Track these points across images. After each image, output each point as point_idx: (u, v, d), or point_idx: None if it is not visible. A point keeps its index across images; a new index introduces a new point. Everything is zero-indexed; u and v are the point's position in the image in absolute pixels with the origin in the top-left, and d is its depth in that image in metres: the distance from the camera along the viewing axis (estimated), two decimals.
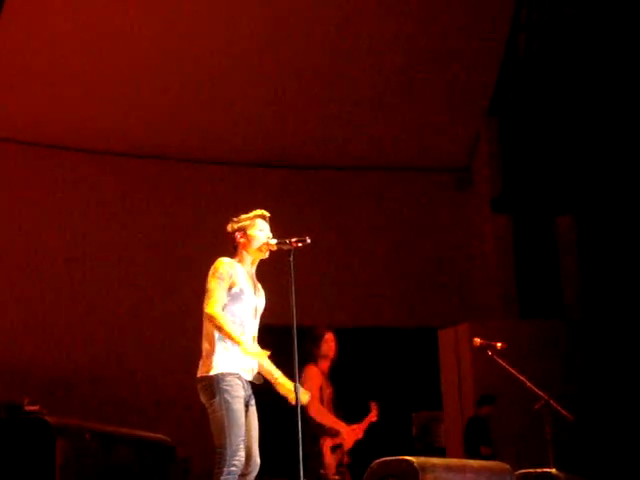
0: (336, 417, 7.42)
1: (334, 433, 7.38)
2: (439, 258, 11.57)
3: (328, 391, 7.55)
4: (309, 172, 11.56)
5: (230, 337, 5.56)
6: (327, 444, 7.32)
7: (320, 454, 7.26)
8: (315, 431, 7.27)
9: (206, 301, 5.62)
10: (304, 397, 5.62)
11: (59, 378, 9.75)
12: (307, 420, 7.08)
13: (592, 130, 10.48)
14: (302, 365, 7.23)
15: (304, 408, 6.84)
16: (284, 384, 5.66)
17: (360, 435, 7.50)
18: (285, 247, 5.80)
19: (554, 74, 10.82)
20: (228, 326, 5.58)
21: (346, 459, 7.37)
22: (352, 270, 11.39)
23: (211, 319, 5.57)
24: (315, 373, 7.43)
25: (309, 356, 7.40)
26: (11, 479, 5.86)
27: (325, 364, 7.50)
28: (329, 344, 7.52)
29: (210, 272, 5.71)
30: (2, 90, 10.10)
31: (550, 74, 10.86)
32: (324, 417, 7.33)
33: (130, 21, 10.28)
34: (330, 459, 7.27)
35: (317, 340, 7.49)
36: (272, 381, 5.72)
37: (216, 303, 5.60)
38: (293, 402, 5.52)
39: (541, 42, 10.98)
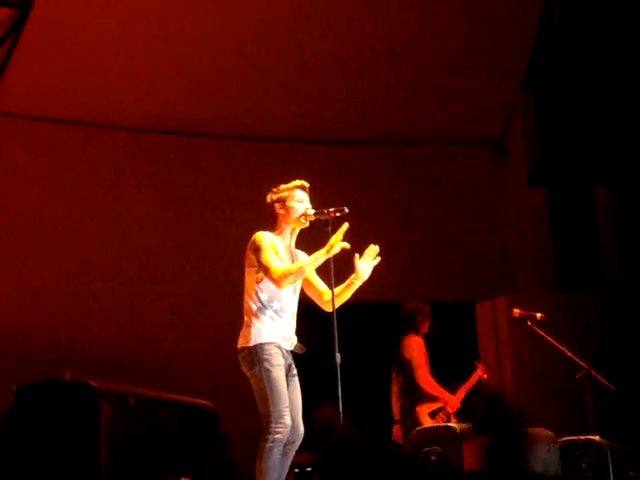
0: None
1: (432, 398, 7.61)
2: (475, 232, 11.51)
3: (428, 360, 8.02)
4: (340, 147, 11.53)
5: (307, 264, 5.68)
6: (424, 410, 7.67)
7: (416, 421, 7.59)
8: (409, 399, 7.41)
9: (267, 273, 5.65)
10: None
11: (97, 354, 9.82)
12: (405, 391, 7.42)
13: (629, 101, 10.36)
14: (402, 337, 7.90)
15: (412, 376, 7.26)
16: (356, 273, 5.81)
17: (462, 396, 7.72)
18: (323, 217, 5.85)
19: (591, 44, 10.70)
20: (296, 266, 5.59)
21: (453, 421, 7.65)
22: (389, 245, 11.27)
23: (285, 278, 5.60)
24: (420, 342, 7.93)
25: (408, 328, 7.98)
26: (57, 443, 5.93)
27: (424, 332, 8.09)
28: (427, 317, 7.87)
29: (252, 247, 5.75)
30: (31, 69, 10.15)
31: (587, 44, 10.74)
32: (431, 386, 7.81)
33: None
34: (429, 423, 7.52)
35: (423, 317, 7.78)
36: (352, 283, 5.86)
37: (277, 267, 5.64)
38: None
39: (577, 11, 10.86)
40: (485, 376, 8.03)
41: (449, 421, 7.64)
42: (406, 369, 7.90)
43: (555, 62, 11.16)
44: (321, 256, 5.71)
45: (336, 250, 5.71)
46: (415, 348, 7.85)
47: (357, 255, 5.89)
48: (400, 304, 8.36)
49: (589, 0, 10.77)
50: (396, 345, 8.16)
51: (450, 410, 7.72)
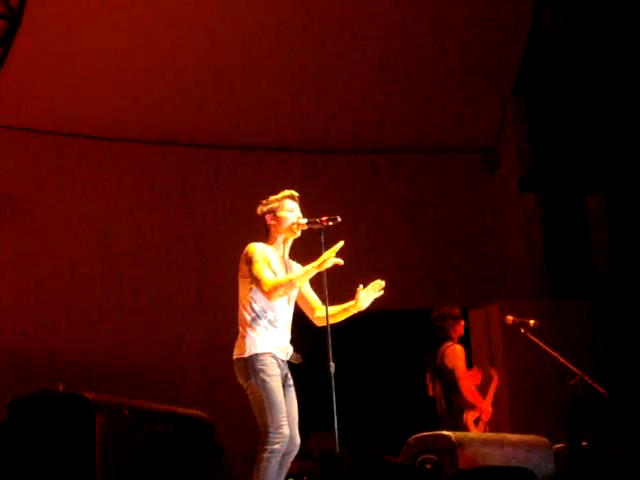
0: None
1: (472, 406, 7.70)
2: (467, 239, 11.53)
3: None
4: (334, 156, 11.54)
5: (298, 279, 5.62)
6: (470, 417, 7.66)
7: (466, 427, 7.56)
8: (461, 404, 7.64)
9: (258, 285, 5.63)
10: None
11: (91, 365, 9.81)
12: (455, 395, 7.52)
13: (620, 107, 10.39)
14: (440, 345, 7.88)
15: (457, 385, 7.51)
16: (356, 302, 5.77)
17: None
18: (316, 226, 5.82)
19: (581, 51, 10.73)
20: (286, 279, 5.61)
21: (487, 429, 7.69)
22: (380, 253, 11.37)
23: (275, 291, 5.58)
24: (460, 351, 7.85)
25: (444, 336, 7.89)
26: (51, 455, 5.91)
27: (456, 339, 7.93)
28: (458, 320, 7.95)
29: (245, 259, 5.73)
30: (23, 80, 10.15)
31: (577, 51, 10.77)
32: (473, 395, 7.71)
33: (149, 9, 10.29)
34: (474, 430, 7.53)
35: (455, 320, 7.76)
36: (349, 309, 5.83)
37: (268, 280, 5.63)
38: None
39: (567, 18, 10.88)
40: (498, 383, 8.00)
41: (485, 430, 7.67)
42: (447, 378, 7.88)
43: (545, 68, 11.18)
44: (312, 270, 5.68)
45: (328, 265, 5.69)
46: (457, 357, 7.83)
47: (361, 286, 5.85)
48: (431, 310, 8.38)
49: (579, 7, 10.79)
50: (432, 353, 8.12)
51: (484, 418, 7.72)
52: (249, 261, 5.70)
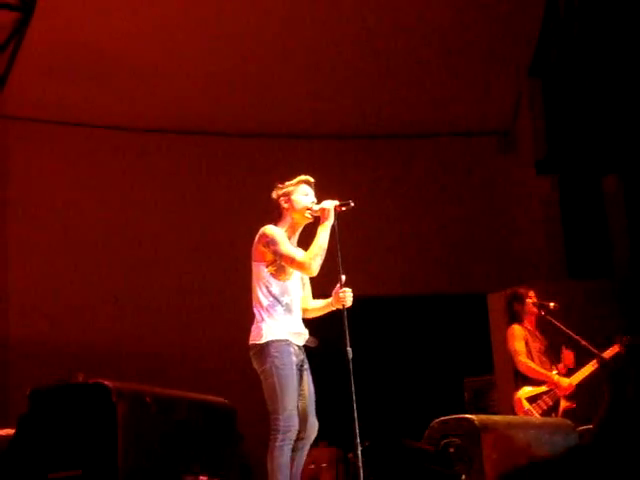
0: (550, 368, 7.90)
1: (539, 381, 7.81)
2: (485, 223, 11.50)
3: (536, 345, 7.99)
4: (350, 141, 11.52)
5: (323, 239, 5.63)
6: (521, 395, 7.81)
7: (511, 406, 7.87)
8: (521, 382, 7.89)
9: (292, 264, 5.62)
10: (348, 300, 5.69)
11: (109, 354, 9.82)
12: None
13: (637, 87, 10.30)
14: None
15: (515, 362, 7.80)
16: (333, 298, 5.74)
17: (579, 380, 7.87)
18: None
19: (596, 32, 10.64)
20: (315, 246, 5.58)
21: (565, 404, 7.77)
22: (398, 238, 11.36)
23: (314, 261, 5.57)
24: (515, 331, 7.99)
25: (515, 316, 8.08)
26: (73, 445, 5.91)
27: (531, 320, 8.04)
28: (532, 300, 8.01)
29: (263, 242, 5.70)
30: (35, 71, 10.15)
31: (592, 32, 10.68)
32: (531, 370, 7.83)
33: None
34: (525, 409, 7.71)
35: (521, 299, 7.99)
36: (328, 306, 5.83)
37: (301, 255, 5.62)
38: (347, 303, 5.65)
39: None
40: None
41: (557, 404, 7.70)
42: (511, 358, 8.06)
43: (561, 50, 11.11)
44: (325, 227, 5.67)
45: (330, 210, 5.66)
46: (510, 338, 7.99)
47: (338, 285, 5.78)
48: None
49: None
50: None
51: (559, 393, 7.75)
52: (272, 242, 5.68)
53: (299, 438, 5.61)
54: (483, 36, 10.94)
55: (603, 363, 7.64)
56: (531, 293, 8.13)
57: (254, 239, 5.81)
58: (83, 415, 5.94)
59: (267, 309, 5.70)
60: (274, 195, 5.93)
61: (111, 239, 10.62)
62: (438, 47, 10.98)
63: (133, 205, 10.83)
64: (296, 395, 5.62)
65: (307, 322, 5.95)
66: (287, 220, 5.89)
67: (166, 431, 6.20)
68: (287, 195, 5.89)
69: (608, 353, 7.82)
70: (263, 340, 5.65)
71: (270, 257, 5.72)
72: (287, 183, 5.97)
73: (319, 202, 5.85)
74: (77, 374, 6.58)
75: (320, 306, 5.92)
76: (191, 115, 11.00)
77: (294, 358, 5.68)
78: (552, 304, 7.96)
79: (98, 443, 5.79)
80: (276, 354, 5.61)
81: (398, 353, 10.98)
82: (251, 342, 5.72)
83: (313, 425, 5.72)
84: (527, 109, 11.50)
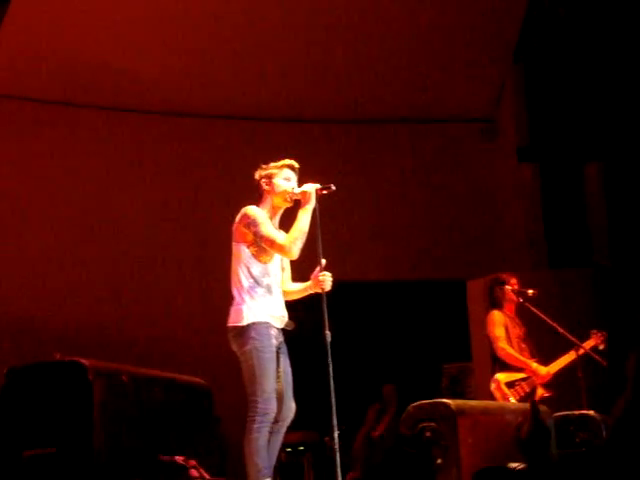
0: (530, 355, 7.88)
1: (517, 368, 7.81)
2: (466, 210, 11.50)
3: (516, 331, 7.98)
4: (333, 126, 11.49)
5: (304, 222, 5.63)
6: (501, 379, 7.78)
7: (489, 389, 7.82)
8: (492, 371, 7.88)
9: (272, 246, 5.61)
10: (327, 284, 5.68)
11: (88, 335, 9.79)
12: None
13: (620, 76, 10.32)
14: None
15: (494, 348, 7.77)
16: (312, 282, 5.74)
17: (556, 369, 7.82)
18: None
19: (580, 20, 10.65)
20: (296, 228, 5.56)
21: (542, 392, 7.74)
22: (378, 224, 11.36)
23: (295, 244, 5.57)
24: (495, 317, 7.96)
25: (495, 302, 8.06)
26: (49, 422, 5.90)
27: (510, 307, 8.01)
28: (511, 287, 7.99)
29: (244, 222, 5.68)
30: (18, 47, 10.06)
31: (576, 20, 10.69)
32: (510, 357, 7.81)
33: None
34: (504, 392, 7.71)
35: (502, 285, 7.94)
36: (307, 289, 5.82)
37: (282, 237, 5.62)
38: (326, 287, 5.64)
39: None
40: (602, 346, 7.98)
41: (534, 392, 7.72)
42: (489, 344, 8.05)
43: (544, 37, 11.11)
44: (306, 210, 5.66)
45: (312, 193, 5.66)
46: (490, 323, 7.97)
47: (318, 269, 5.77)
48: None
49: None
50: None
51: (537, 381, 7.77)
52: (252, 223, 5.66)
53: (276, 421, 5.61)
54: (466, 23, 10.92)
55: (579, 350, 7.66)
56: (513, 280, 8.12)
57: (235, 219, 5.80)
58: (59, 393, 5.93)
59: (248, 290, 5.69)
60: (256, 176, 5.92)
61: (91, 220, 10.55)
62: (421, 34, 10.96)
63: (119, 185, 10.76)
64: (275, 378, 5.62)
65: (285, 305, 5.93)
66: (268, 202, 5.88)
67: (142, 410, 6.20)
68: (269, 177, 5.88)
69: (588, 344, 7.84)
70: (244, 322, 5.64)
71: (251, 238, 5.70)
72: (271, 165, 5.95)
73: (300, 185, 5.85)
74: (54, 354, 6.57)
75: (298, 289, 5.92)
76: (169, 96, 10.94)
77: (274, 341, 5.67)
78: (531, 291, 7.96)
79: (74, 421, 5.79)
80: (256, 336, 5.60)
81: (376, 338, 10.99)
82: (230, 324, 5.70)
83: (290, 408, 5.73)
84: (510, 97, 11.50)
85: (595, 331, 7.92)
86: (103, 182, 10.68)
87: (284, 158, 6.02)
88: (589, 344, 7.83)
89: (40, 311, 9.95)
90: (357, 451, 10.13)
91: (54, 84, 10.39)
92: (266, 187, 5.86)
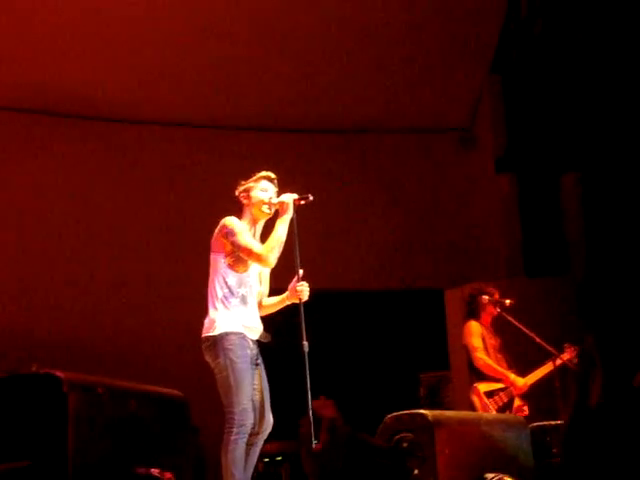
0: (507, 366, 7.93)
1: (495, 379, 7.84)
2: (443, 219, 11.53)
3: (492, 342, 8.02)
4: (310, 135, 11.50)
5: (282, 231, 5.65)
6: (481, 388, 7.80)
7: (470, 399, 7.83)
8: (471, 380, 7.92)
9: (250, 255, 5.62)
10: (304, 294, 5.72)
11: (66, 346, 9.74)
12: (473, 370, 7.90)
13: (597, 87, 10.37)
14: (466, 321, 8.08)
15: (472, 358, 7.78)
16: (289, 292, 5.76)
17: (533, 380, 7.88)
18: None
19: (557, 31, 10.70)
20: (273, 237, 5.57)
21: (518, 403, 7.78)
22: (356, 233, 11.37)
23: (272, 253, 5.58)
24: (472, 327, 8.00)
25: (473, 312, 8.09)
26: (24, 434, 5.86)
27: (487, 317, 8.04)
28: (488, 297, 8.04)
29: (222, 232, 5.71)
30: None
31: (553, 31, 10.74)
32: (488, 367, 7.85)
33: None
34: (484, 402, 7.72)
35: (479, 295, 7.92)
36: (285, 300, 5.86)
37: (259, 246, 5.63)
38: (303, 297, 5.69)
39: None
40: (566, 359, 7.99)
41: (512, 403, 7.73)
42: (467, 354, 8.05)
43: (522, 48, 11.15)
44: (284, 220, 5.69)
45: (289, 204, 5.68)
46: (467, 334, 8.01)
47: (295, 278, 5.79)
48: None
49: None
50: None
51: (514, 392, 7.78)
52: (230, 233, 5.69)
53: (254, 433, 5.61)
54: (444, 33, 10.95)
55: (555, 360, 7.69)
56: (491, 289, 8.15)
57: (213, 231, 5.81)
58: (34, 405, 5.89)
59: (222, 300, 5.69)
60: (236, 192, 5.97)
61: (66, 234, 10.51)
62: (398, 43, 10.97)
63: (99, 195, 10.74)
64: (250, 389, 5.61)
65: (262, 316, 5.93)
66: (247, 215, 5.93)
67: (118, 423, 6.16)
68: (247, 191, 5.96)
69: (564, 357, 7.87)
70: (217, 332, 5.63)
71: (229, 248, 5.73)
72: (250, 180, 6.00)
73: (279, 196, 5.87)
74: (31, 364, 6.53)
75: (276, 302, 5.93)
76: (148, 104, 10.93)
77: (248, 352, 5.66)
78: (508, 301, 8.00)
79: (49, 434, 5.75)
80: (230, 347, 5.59)
81: (354, 348, 10.98)
82: (204, 334, 5.70)
83: (268, 421, 5.73)
84: (487, 106, 11.53)
85: (568, 345, 7.95)
86: (81, 194, 10.64)
87: (259, 168, 6.05)
88: (565, 357, 7.86)
89: (16, 324, 9.89)
90: (307, 468, 10.08)
91: (29, 93, 10.35)
92: (245, 201, 5.93)
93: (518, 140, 11.14)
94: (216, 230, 5.81)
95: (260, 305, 5.91)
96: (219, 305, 5.68)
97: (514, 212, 11.32)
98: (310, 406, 5.45)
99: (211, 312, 5.71)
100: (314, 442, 5.25)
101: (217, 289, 5.72)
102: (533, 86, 10.96)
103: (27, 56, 10.12)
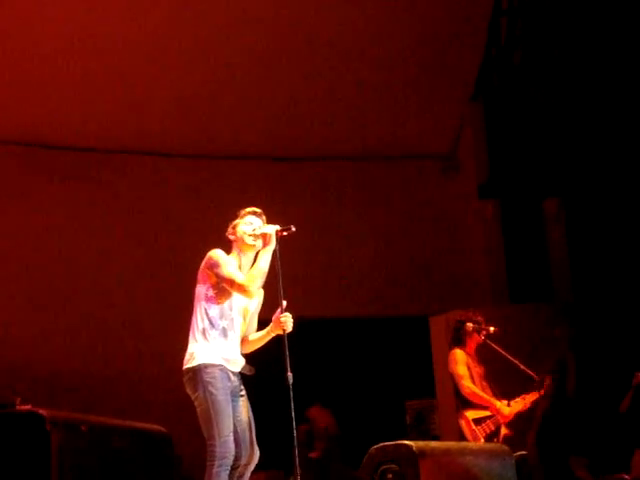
0: (492, 393, 7.88)
1: (482, 406, 7.80)
2: (427, 246, 11.56)
3: (477, 370, 7.98)
4: (293, 164, 11.53)
5: (264, 263, 5.64)
6: (469, 416, 7.78)
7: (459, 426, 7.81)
8: (458, 408, 7.86)
9: (232, 285, 5.61)
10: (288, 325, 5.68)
11: (51, 379, 9.70)
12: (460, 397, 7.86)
13: (577, 113, 10.43)
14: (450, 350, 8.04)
15: (459, 386, 7.74)
16: (273, 324, 5.73)
17: (518, 408, 7.80)
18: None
19: (538, 57, 10.76)
20: (255, 268, 5.61)
21: (504, 431, 7.73)
22: (340, 261, 11.38)
23: (253, 283, 5.60)
24: (456, 355, 7.98)
25: (458, 340, 8.03)
26: (7, 472, 5.81)
27: (472, 345, 8.01)
28: (474, 325, 7.98)
29: (208, 264, 5.71)
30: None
31: (534, 57, 10.80)
32: (474, 395, 7.81)
33: (137, 21, 10.21)
34: (472, 429, 7.71)
35: (463, 323, 7.98)
36: (269, 333, 5.80)
37: (242, 277, 5.62)
38: (287, 328, 5.64)
39: (524, 25, 10.91)
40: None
41: (499, 430, 7.72)
42: (453, 381, 8.04)
43: (503, 75, 11.21)
44: (266, 250, 5.71)
45: (272, 235, 5.70)
46: (452, 362, 7.99)
47: (278, 310, 5.80)
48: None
49: (536, 14, 10.82)
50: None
51: (501, 420, 7.78)
52: (215, 265, 5.69)
53: (238, 466, 5.58)
54: (426, 62, 11.01)
55: (540, 386, 7.70)
56: (476, 317, 8.17)
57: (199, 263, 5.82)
58: (17, 443, 5.84)
59: (202, 332, 5.68)
60: (227, 233, 6.00)
61: (51, 267, 10.50)
62: (381, 71, 11.03)
63: (79, 226, 10.74)
64: (231, 421, 5.59)
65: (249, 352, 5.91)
66: (234, 249, 5.94)
67: (102, 460, 6.12)
68: (234, 228, 5.97)
69: (546, 384, 7.88)
70: (195, 363, 5.61)
71: (214, 280, 5.73)
72: (237, 218, 6.04)
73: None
74: (15, 398, 6.50)
75: (260, 336, 5.91)
76: (134, 135, 10.95)
77: (229, 384, 5.65)
78: (492, 328, 7.99)
79: (32, 472, 5.71)
80: (209, 379, 5.57)
81: (339, 375, 10.97)
82: (184, 367, 5.68)
83: (254, 454, 5.70)
84: (469, 133, 11.59)
85: (544, 375, 7.98)
86: (68, 227, 10.64)
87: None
88: (535, 395, 7.89)
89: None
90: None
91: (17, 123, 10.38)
92: (231, 237, 5.95)
93: (500, 166, 11.18)
94: (202, 262, 5.82)
95: (246, 341, 5.90)
96: (199, 337, 5.68)
97: (498, 238, 11.35)
98: (295, 435, 5.43)
99: (191, 344, 5.70)
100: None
101: (198, 321, 5.71)
102: (514, 113, 11.01)
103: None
